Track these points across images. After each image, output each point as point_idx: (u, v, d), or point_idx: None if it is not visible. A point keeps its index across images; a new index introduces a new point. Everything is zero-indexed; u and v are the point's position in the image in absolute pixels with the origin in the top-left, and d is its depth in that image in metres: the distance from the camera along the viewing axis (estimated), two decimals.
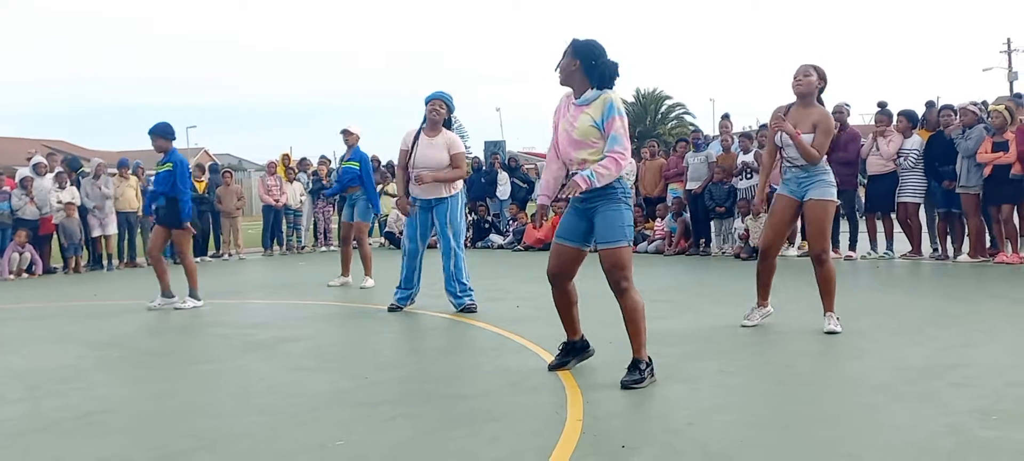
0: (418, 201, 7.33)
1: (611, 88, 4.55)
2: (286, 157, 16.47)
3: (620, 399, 4.30)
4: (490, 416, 4.05)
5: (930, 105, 11.13)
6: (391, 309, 7.47)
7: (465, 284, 7.37)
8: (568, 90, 4.67)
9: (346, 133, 9.72)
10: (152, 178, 14.25)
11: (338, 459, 3.52)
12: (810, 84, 5.90)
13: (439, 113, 7.24)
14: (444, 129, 7.30)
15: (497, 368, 5.12)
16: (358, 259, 9.73)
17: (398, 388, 4.72)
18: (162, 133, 8.28)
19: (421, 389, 4.70)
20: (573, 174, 4.58)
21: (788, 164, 6.03)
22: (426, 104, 7.29)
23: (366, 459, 3.51)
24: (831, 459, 3.32)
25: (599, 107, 4.47)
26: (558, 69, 4.60)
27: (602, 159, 4.43)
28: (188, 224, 8.25)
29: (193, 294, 8.31)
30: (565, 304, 4.84)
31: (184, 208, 8.17)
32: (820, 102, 6.00)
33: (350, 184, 9.65)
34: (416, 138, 7.24)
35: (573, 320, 4.90)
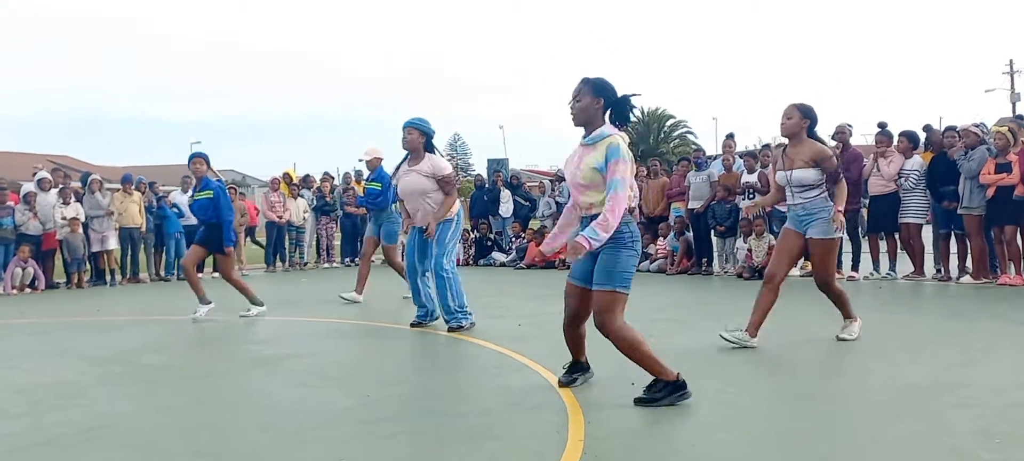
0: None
1: (628, 124, 4.58)
2: (288, 175, 16.51)
3: (622, 419, 4.29)
4: (490, 434, 4.05)
5: (928, 129, 11.14)
6: (412, 324, 7.50)
7: (450, 307, 7.19)
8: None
9: (374, 159, 9.78)
10: (160, 196, 14.38)
11: None
12: (792, 125, 6.05)
13: (410, 141, 7.17)
14: (427, 154, 7.21)
15: (498, 386, 5.12)
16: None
17: (399, 405, 4.72)
18: (203, 158, 8.57)
19: (422, 406, 4.71)
20: (581, 225, 4.60)
21: (790, 202, 6.17)
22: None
23: None
24: None
25: (603, 150, 4.43)
26: (575, 109, 4.56)
27: (602, 211, 4.38)
28: (230, 248, 8.43)
29: (255, 301, 8.63)
30: (575, 337, 4.86)
31: (227, 234, 8.39)
32: (814, 136, 6.09)
33: (374, 205, 9.67)
34: (397, 169, 7.28)
35: (577, 344, 4.91)
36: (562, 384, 4.89)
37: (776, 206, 7.19)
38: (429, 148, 7.25)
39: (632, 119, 4.62)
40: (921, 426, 3.99)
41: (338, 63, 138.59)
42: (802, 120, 6.04)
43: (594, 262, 4.53)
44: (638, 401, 4.48)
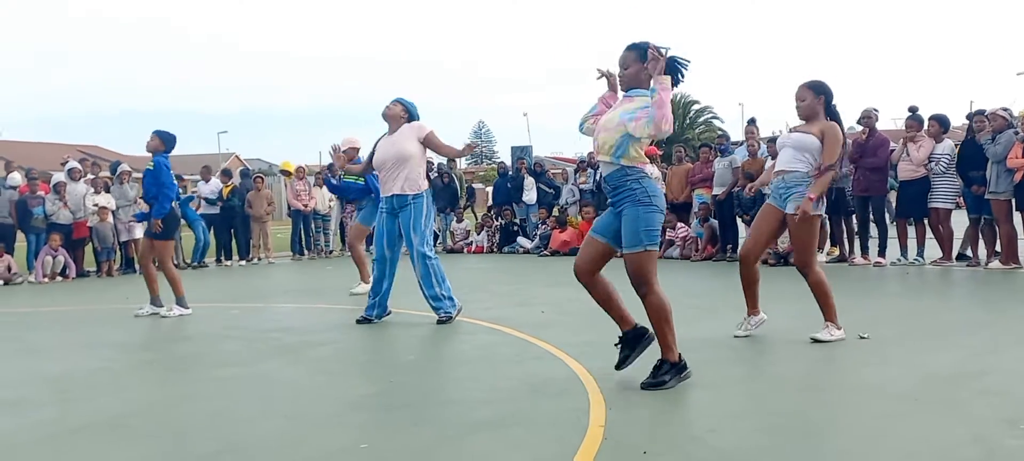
0: (384, 204, 7.20)
1: (678, 83, 4.65)
2: (286, 169, 16.43)
3: (643, 405, 4.30)
4: (512, 421, 4.07)
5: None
6: (359, 321, 7.29)
7: (437, 293, 7.08)
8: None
9: (351, 148, 9.74)
10: (187, 198, 14.49)
11: None
12: (807, 107, 5.78)
13: (391, 111, 7.15)
14: (406, 124, 7.15)
15: (520, 374, 5.13)
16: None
17: (421, 393, 4.75)
18: (161, 135, 8.25)
19: (444, 394, 4.74)
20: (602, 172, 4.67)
21: (776, 171, 5.96)
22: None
23: None
24: None
25: (641, 103, 4.50)
26: (624, 77, 4.64)
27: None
28: (158, 221, 8.06)
29: (181, 302, 8.24)
30: (604, 298, 4.77)
31: (160, 208, 8.07)
32: (832, 115, 5.79)
33: (356, 197, 9.62)
34: (375, 144, 7.28)
35: (620, 311, 4.79)
36: (618, 367, 4.75)
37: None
38: (411, 117, 7.22)
39: (681, 79, 4.65)
40: (944, 415, 3.96)
41: (364, 54, 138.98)
42: (816, 99, 5.74)
43: (616, 221, 4.59)
44: (645, 385, 4.52)
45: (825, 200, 5.89)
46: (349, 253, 10.17)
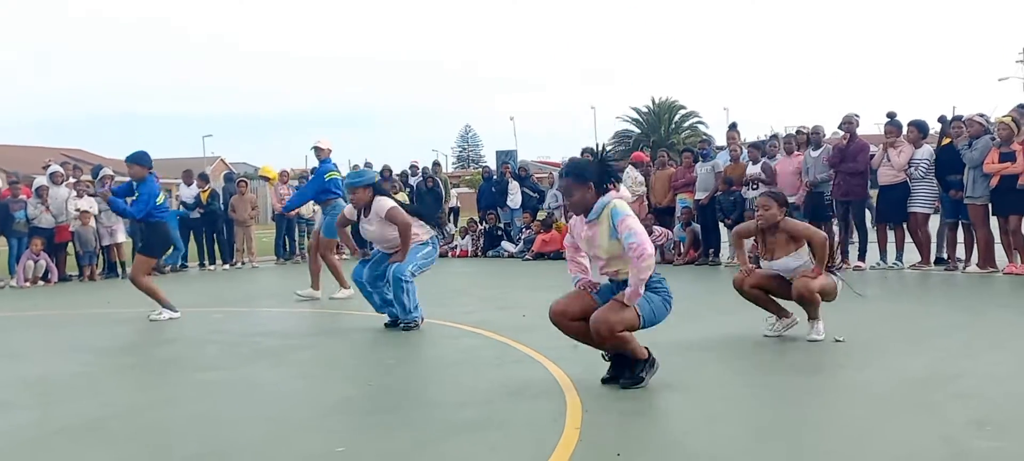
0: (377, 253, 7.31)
1: (617, 182, 4.70)
2: (267, 175, 16.33)
3: (619, 408, 4.34)
4: (489, 424, 4.11)
5: (943, 119, 11.05)
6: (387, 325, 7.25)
7: (406, 306, 7.00)
8: None
9: (317, 149, 9.74)
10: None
11: None
12: (772, 216, 6.02)
13: (358, 197, 7.08)
14: (375, 200, 7.04)
15: (499, 377, 5.18)
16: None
17: (401, 396, 4.79)
18: (138, 161, 8.21)
19: (423, 397, 4.77)
20: (611, 286, 4.73)
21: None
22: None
23: None
24: None
25: (606, 219, 4.54)
26: (571, 205, 4.69)
27: (632, 270, 4.47)
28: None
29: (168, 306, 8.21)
30: (583, 332, 4.78)
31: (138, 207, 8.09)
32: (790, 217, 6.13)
33: (324, 198, 9.52)
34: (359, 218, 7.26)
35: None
36: (606, 381, 4.76)
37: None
38: (379, 192, 7.14)
39: (617, 178, 4.74)
40: (916, 417, 4.02)
41: (348, 58, 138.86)
42: (780, 208, 6.04)
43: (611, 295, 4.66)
44: (624, 384, 4.60)
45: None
46: (346, 257, 10.12)
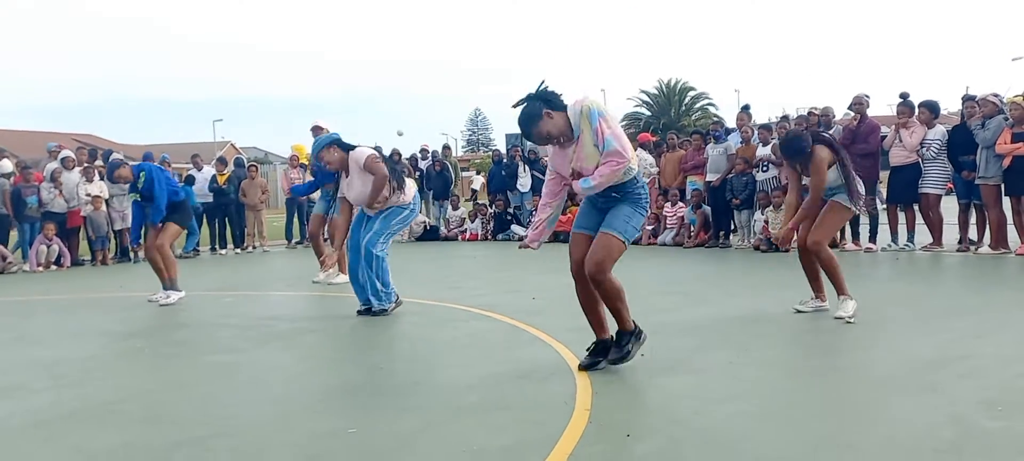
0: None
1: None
2: (302, 151, 16.45)
3: (629, 390, 4.35)
4: (498, 406, 4.12)
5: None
6: (359, 312, 7.11)
7: (376, 286, 6.96)
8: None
9: (316, 129, 9.70)
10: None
11: (347, 447, 3.61)
12: (787, 164, 6.45)
13: (328, 158, 6.96)
14: (349, 155, 6.94)
15: (509, 359, 5.19)
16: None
17: (410, 378, 4.80)
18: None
19: (432, 380, 4.79)
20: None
21: None
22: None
23: (374, 447, 3.60)
24: (830, 450, 3.36)
25: (586, 123, 4.37)
26: (550, 137, 4.45)
27: (599, 165, 4.36)
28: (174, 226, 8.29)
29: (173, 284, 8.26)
30: (590, 301, 4.72)
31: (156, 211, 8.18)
32: (803, 155, 6.14)
33: (325, 181, 9.48)
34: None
35: (600, 319, 4.78)
36: (583, 367, 4.71)
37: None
38: (346, 146, 7.00)
39: (560, 96, 4.48)
40: (924, 397, 4.02)
41: (358, 43, 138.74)
42: (785, 160, 6.42)
43: (599, 216, 4.59)
44: (612, 361, 4.62)
45: (856, 199, 6.19)
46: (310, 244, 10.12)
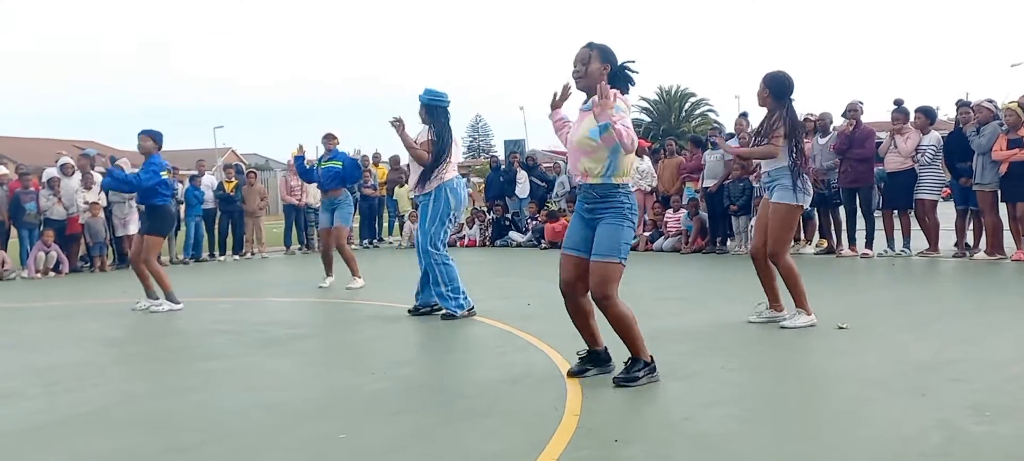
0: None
1: (628, 89, 4.55)
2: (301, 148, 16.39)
3: (619, 396, 4.36)
4: (489, 412, 4.14)
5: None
6: (410, 311, 7.34)
7: (441, 291, 7.06)
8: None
9: (329, 138, 9.75)
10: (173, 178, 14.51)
11: (339, 453, 3.63)
12: (759, 96, 6.16)
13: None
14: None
15: (501, 365, 5.21)
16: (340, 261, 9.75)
17: (404, 385, 4.82)
18: (152, 135, 8.31)
19: (426, 385, 4.81)
20: (580, 193, 4.63)
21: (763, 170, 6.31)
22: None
23: (366, 453, 3.61)
24: (817, 452, 3.38)
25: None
26: (581, 74, 4.51)
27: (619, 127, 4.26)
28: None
29: (170, 297, 8.26)
30: (580, 316, 4.72)
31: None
32: (782, 105, 6.06)
33: (331, 186, 9.58)
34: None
35: (592, 331, 4.77)
36: (572, 374, 4.71)
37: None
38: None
39: (632, 84, 4.58)
40: (913, 402, 4.03)
41: (355, 46, 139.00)
42: (763, 89, 6.11)
43: (591, 232, 4.54)
44: (619, 381, 4.51)
45: (808, 194, 6.04)
46: (355, 246, 10.32)
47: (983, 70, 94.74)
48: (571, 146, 4.61)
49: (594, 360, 4.79)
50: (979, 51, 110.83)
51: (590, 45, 4.55)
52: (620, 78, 4.54)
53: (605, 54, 4.52)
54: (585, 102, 4.60)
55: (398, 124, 7.09)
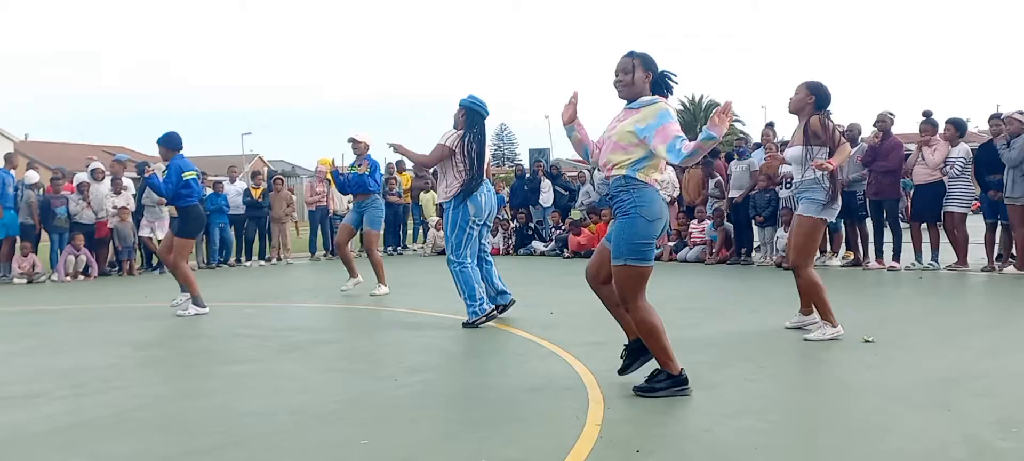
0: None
1: (668, 95, 4.58)
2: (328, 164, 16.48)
3: (641, 405, 4.34)
4: (510, 419, 4.13)
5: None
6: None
7: (463, 298, 7.16)
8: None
9: (354, 142, 9.81)
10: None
11: (359, 457, 3.64)
12: (797, 101, 6.11)
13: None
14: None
15: (522, 372, 5.21)
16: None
17: (425, 390, 4.83)
18: (164, 143, 8.36)
19: (447, 392, 4.82)
20: (609, 187, 4.58)
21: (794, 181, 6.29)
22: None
23: (386, 458, 3.62)
24: None
25: (652, 113, 4.37)
26: (626, 82, 4.51)
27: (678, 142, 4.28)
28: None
29: (197, 301, 8.28)
30: (611, 303, 4.72)
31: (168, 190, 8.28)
32: (821, 113, 6.05)
33: (359, 190, 9.68)
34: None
35: (625, 321, 4.74)
36: (622, 372, 4.74)
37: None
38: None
39: (670, 93, 4.59)
40: (938, 416, 3.99)
41: (380, 54, 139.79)
42: (809, 96, 6.05)
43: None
44: (638, 390, 4.49)
45: (831, 207, 6.00)
46: (380, 253, 10.36)
47: (1016, 82, 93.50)
48: (607, 141, 4.54)
49: (635, 352, 4.75)
50: (1013, 63, 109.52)
51: (632, 54, 4.57)
52: (661, 86, 4.57)
53: (647, 62, 4.54)
54: (629, 103, 4.55)
55: (396, 147, 7.40)
